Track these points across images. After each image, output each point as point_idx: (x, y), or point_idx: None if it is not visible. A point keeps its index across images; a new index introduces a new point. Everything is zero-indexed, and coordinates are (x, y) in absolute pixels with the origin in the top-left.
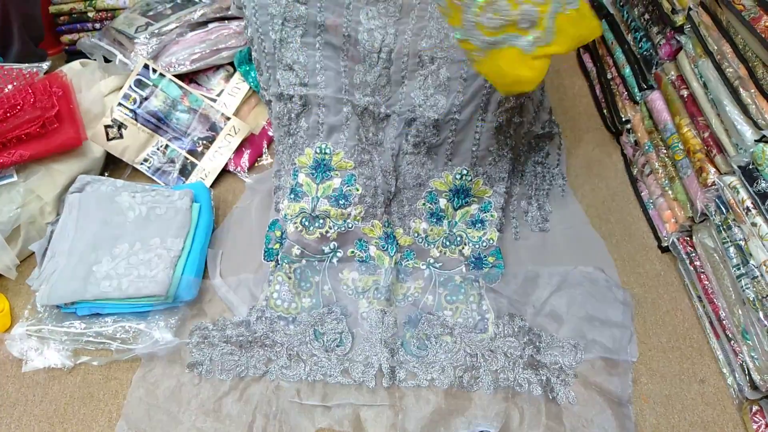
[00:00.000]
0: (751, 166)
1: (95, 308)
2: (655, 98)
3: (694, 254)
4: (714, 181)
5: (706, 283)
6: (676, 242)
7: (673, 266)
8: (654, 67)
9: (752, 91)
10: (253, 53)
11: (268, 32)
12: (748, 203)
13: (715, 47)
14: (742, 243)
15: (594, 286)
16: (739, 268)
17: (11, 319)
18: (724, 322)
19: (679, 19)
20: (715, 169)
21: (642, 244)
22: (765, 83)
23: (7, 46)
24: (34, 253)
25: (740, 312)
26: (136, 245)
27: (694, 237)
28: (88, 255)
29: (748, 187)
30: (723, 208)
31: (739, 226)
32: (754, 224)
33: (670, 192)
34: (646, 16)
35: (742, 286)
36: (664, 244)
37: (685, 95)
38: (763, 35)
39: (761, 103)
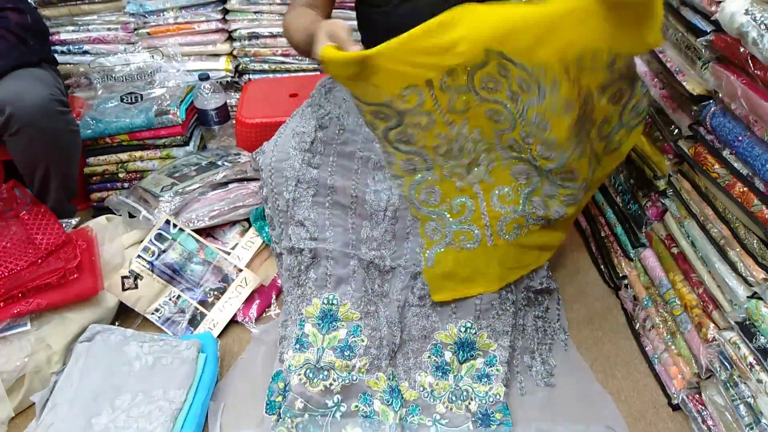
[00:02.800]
0: (747, 322)
1: None
2: (648, 255)
3: (705, 412)
4: (714, 337)
5: None
6: (686, 399)
7: (686, 425)
8: (644, 227)
9: (737, 250)
10: (266, 210)
11: (282, 192)
12: (751, 359)
13: (698, 210)
14: (751, 400)
15: None
16: (752, 428)
17: None
18: None
19: (661, 184)
20: (713, 325)
21: (652, 401)
22: (748, 243)
23: (42, 200)
24: (34, 404)
25: None
26: (139, 396)
27: (703, 394)
28: (89, 406)
29: (748, 343)
30: (727, 364)
31: (745, 383)
32: (759, 381)
33: (673, 347)
34: (632, 181)
35: None
36: (674, 402)
37: (676, 253)
38: (740, 200)
39: (748, 261)
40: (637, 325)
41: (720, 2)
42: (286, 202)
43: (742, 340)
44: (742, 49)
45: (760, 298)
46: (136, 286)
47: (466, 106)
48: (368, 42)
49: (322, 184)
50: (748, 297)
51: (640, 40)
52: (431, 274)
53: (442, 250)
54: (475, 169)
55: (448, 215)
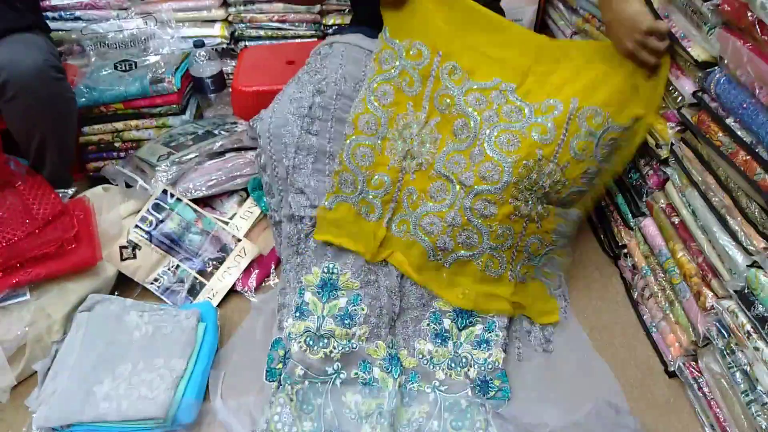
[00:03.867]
0: (746, 291)
1: (92, 431)
2: (648, 224)
3: (701, 380)
4: (713, 305)
5: (717, 410)
6: (683, 367)
7: (682, 392)
8: (645, 196)
9: (738, 219)
10: (264, 178)
11: (282, 159)
12: (749, 327)
13: (700, 178)
14: (747, 368)
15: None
16: (747, 395)
17: None
18: None
19: (663, 152)
20: (712, 293)
21: (649, 369)
22: (749, 212)
23: (38, 169)
24: (36, 372)
25: None
26: (140, 365)
27: (699, 362)
28: (90, 375)
29: (746, 311)
30: (724, 332)
31: (742, 351)
32: (756, 348)
33: (671, 315)
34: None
35: (753, 413)
36: (671, 369)
37: (677, 222)
38: (742, 168)
39: (748, 230)
40: (636, 294)
41: None
42: (285, 169)
43: (741, 309)
44: (749, 14)
45: (760, 267)
46: (135, 256)
47: (443, 108)
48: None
49: (322, 151)
50: (747, 266)
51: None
52: (325, 214)
53: (345, 203)
54: (408, 161)
55: (367, 185)
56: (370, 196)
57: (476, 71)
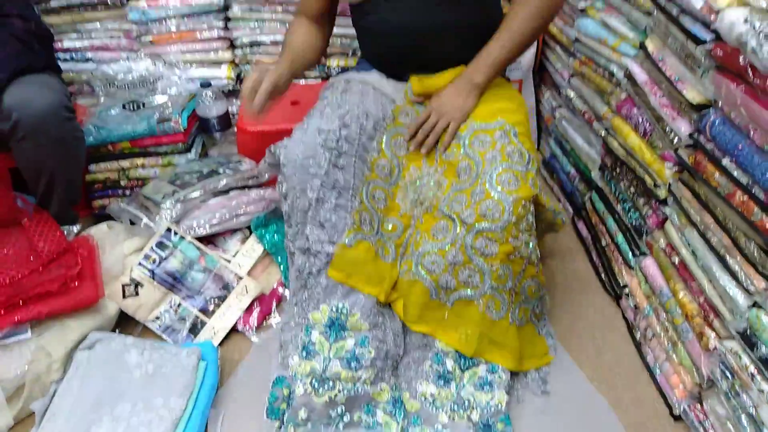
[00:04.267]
0: (749, 332)
1: None
2: (649, 264)
3: (707, 423)
4: (716, 346)
5: None
6: (688, 410)
7: None
8: (644, 235)
9: (738, 258)
10: (284, 206)
11: (306, 190)
12: (752, 369)
13: (698, 218)
14: (753, 410)
15: None
16: None
17: None
18: None
19: (662, 192)
20: (715, 334)
21: (653, 412)
22: (749, 251)
23: (45, 206)
24: (34, 413)
25: None
26: (139, 405)
27: (704, 404)
28: (89, 415)
29: (750, 352)
30: (728, 374)
31: (747, 393)
32: (761, 391)
33: (674, 356)
34: (632, 189)
35: None
36: (676, 412)
37: (677, 262)
38: (740, 208)
39: (748, 270)
40: (638, 335)
41: (719, 11)
42: (308, 201)
43: (744, 350)
44: (741, 58)
45: (761, 307)
46: (137, 294)
47: (450, 155)
48: (365, 48)
49: (346, 187)
50: (749, 306)
51: None
52: (344, 252)
53: (365, 241)
54: (418, 208)
55: (382, 227)
56: (385, 238)
57: (479, 113)
